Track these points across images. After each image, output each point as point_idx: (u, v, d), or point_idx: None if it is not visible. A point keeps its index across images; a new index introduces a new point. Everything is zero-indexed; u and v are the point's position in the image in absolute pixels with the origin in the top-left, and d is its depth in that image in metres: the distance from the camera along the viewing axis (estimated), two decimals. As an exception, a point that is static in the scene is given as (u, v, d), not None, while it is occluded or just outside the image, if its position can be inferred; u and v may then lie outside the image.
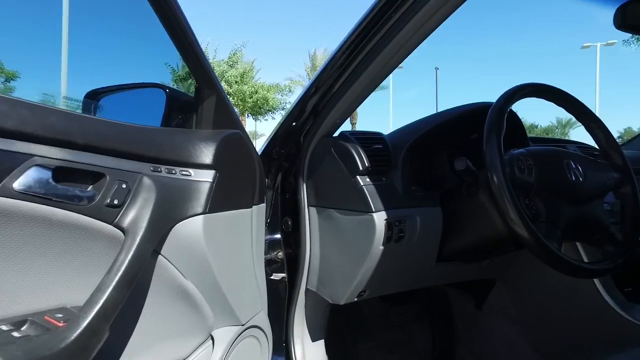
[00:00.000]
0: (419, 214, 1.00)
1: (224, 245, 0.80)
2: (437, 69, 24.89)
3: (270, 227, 1.14)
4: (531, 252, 0.78)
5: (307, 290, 1.14)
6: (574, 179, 0.87)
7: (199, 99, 0.86)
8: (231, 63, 19.77)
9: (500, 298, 1.42)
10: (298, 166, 1.10)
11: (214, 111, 0.87)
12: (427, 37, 0.81)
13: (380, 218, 0.93)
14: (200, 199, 0.74)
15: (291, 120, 1.06)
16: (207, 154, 0.77)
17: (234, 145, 0.86)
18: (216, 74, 0.88)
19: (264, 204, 1.01)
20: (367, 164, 0.96)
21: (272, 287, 1.13)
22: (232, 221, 0.84)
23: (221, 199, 0.79)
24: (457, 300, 1.60)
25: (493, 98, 0.93)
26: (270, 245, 1.13)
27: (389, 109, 26.04)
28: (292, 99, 17.00)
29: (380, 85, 1.10)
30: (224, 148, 0.80)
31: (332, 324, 1.28)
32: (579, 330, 1.21)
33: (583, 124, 0.99)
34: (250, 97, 19.35)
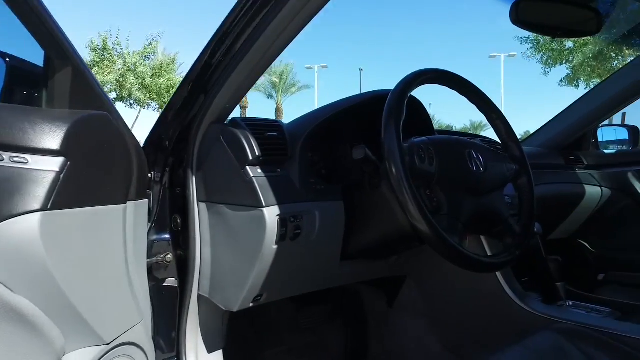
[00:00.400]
0: (319, 209, 0.92)
1: (76, 248, 0.66)
2: (361, 70, 25.58)
3: (158, 226, 1.00)
4: (431, 247, 0.73)
5: (199, 296, 1.02)
6: (475, 169, 0.84)
7: (49, 71, 0.71)
8: (146, 54, 18.63)
9: (410, 294, 1.39)
10: (187, 157, 0.97)
11: (70, 87, 0.72)
12: (318, 10, 0.73)
13: (272, 213, 0.83)
14: (39, 193, 0.59)
15: (178, 102, 0.93)
16: (52, 138, 0.62)
17: (96, 129, 0.71)
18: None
19: (145, 200, 0.87)
20: (257, 153, 0.86)
21: (162, 294, 1.00)
22: (93, 219, 0.69)
23: (74, 193, 0.64)
24: (369, 298, 1.56)
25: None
26: (159, 247, 1.00)
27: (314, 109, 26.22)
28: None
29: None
30: (80, 131, 0.66)
31: (233, 331, 1.16)
32: (483, 322, 1.22)
33: (484, 114, 0.97)
34: (167, 92, 18.34)
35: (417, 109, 1.05)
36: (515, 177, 0.93)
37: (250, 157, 0.85)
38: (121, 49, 17.74)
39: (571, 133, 1.86)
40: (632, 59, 1.72)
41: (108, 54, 17.44)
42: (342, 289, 1.55)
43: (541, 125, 1.99)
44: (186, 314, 1.03)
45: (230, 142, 0.88)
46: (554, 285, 1.18)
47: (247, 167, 0.85)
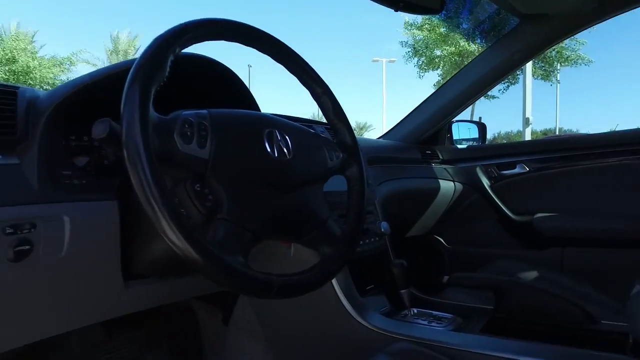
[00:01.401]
0: (70, 213, 0.64)
1: None
2: (250, 66, 25.07)
3: None
4: (195, 268, 0.50)
5: None
6: (276, 155, 0.62)
7: None
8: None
9: (244, 312, 1.17)
10: None
11: None
12: None
13: None
14: None
15: None
16: None
17: None
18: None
19: None
20: None
21: None
22: None
23: None
24: (204, 315, 1.31)
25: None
26: None
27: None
28: (74, 75, 14.38)
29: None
30: None
31: None
32: (323, 342, 1.04)
33: (307, 88, 0.76)
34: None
35: (224, 79, 0.82)
36: (343, 167, 0.75)
37: None
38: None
39: (427, 127, 1.81)
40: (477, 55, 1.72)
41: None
42: (172, 305, 1.27)
43: (401, 119, 1.93)
44: None
45: None
46: (397, 293, 1.05)
47: None
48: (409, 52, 14.53)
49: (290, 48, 0.72)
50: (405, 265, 1.06)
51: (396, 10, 1.04)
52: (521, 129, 12.30)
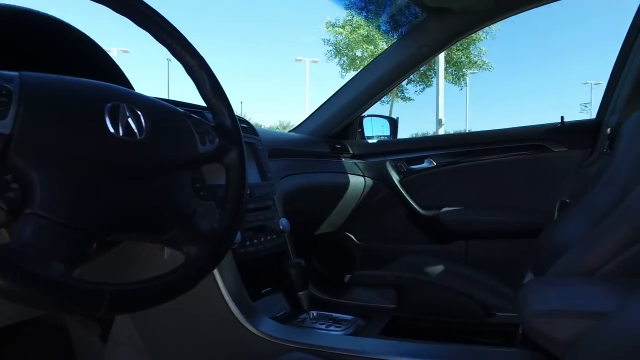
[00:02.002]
0: None
1: None
2: (169, 60, 23.86)
3: None
4: None
5: None
6: (121, 134, 0.49)
7: None
8: None
9: (124, 325, 1.01)
10: None
11: None
12: None
13: None
14: None
15: None
16: None
17: None
18: None
19: None
20: None
21: None
22: None
23: None
24: (78, 331, 1.13)
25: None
26: None
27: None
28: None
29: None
30: None
31: None
32: (210, 352, 0.92)
33: (180, 60, 0.63)
34: None
35: (75, 45, 0.68)
36: (219, 153, 0.64)
37: None
38: None
39: (337, 121, 1.76)
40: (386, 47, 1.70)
41: None
42: (41, 321, 1.08)
43: (311, 112, 1.86)
44: None
45: None
46: (295, 295, 0.97)
47: None
48: (330, 50, 14.68)
49: (155, 11, 0.59)
50: (303, 265, 0.98)
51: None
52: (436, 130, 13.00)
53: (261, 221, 1.01)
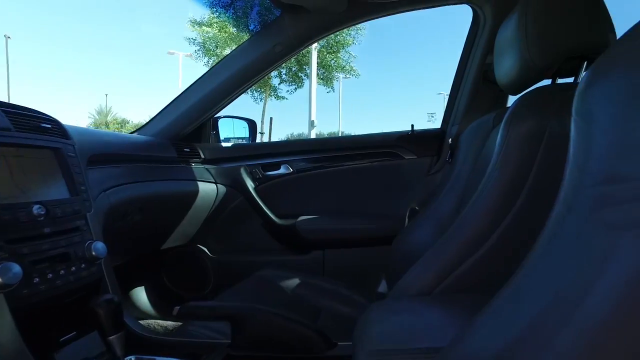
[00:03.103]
0: None
1: None
2: (7, 37, 20.34)
3: None
4: None
5: None
6: None
7: None
8: None
9: None
10: None
11: None
12: None
13: None
14: None
15: None
16: None
17: None
18: None
19: None
20: None
21: None
22: None
23: None
24: None
25: None
26: None
27: None
28: None
29: None
30: None
31: None
32: None
33: None
34: None
35: None
36: None
37: None
38: None
39: (187, 122, 1.56)
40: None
41: None
42: None
43: (157, 112, 1.63)
44: None
45: None
46: (106, 340, 0.78)
47: None
48: (198, 50, 14.00)
49: None
50: (116, 301, 0.79)
51: None
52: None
53: (63, 248, 0.80)
